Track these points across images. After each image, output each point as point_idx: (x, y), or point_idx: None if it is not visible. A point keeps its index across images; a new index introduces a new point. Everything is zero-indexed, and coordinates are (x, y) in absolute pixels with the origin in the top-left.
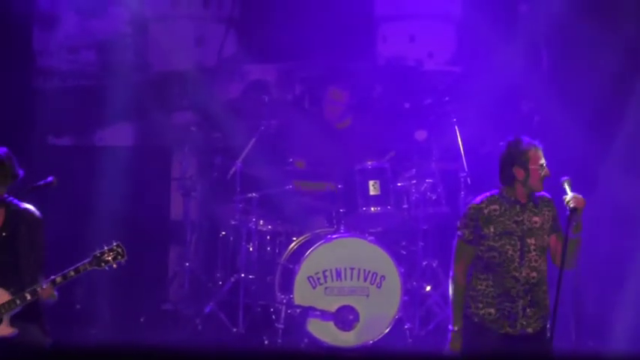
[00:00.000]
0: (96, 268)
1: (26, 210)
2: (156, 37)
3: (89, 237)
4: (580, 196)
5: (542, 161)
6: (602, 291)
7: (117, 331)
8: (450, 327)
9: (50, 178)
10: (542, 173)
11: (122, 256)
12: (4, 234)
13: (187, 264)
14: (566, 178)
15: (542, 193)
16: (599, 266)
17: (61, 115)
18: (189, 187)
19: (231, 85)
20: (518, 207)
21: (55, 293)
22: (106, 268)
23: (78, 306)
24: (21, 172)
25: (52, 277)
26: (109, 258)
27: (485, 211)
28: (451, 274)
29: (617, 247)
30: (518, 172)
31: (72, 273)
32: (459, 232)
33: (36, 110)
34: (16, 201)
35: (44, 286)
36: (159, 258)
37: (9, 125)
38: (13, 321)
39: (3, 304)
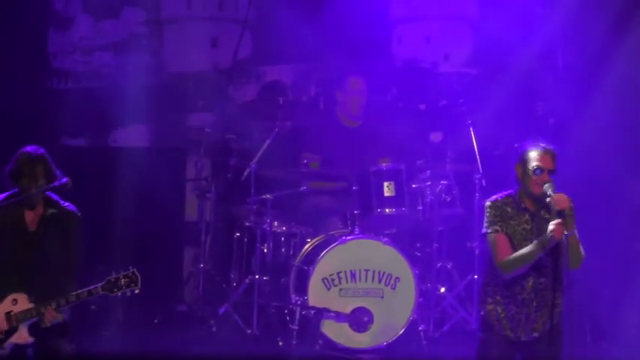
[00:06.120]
0: (107, 293)
1: (64, 210)
2: (171, 39)
3: (104, 238)
4: (564, 195)
5: (543, 165)
6: (617, 293)
7: (131, 333)
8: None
9: (65, 179)
10: (539, 177)
11: (135, 285)
12: (34, 233)
13: (202, 265)
14: (547, 184)
15: None
16: (614, 268)
17: (76, 116)
18: (203, 188)
19: (247, 86)
20: (527, 215)
21: (62, 315)
22: (119, 294)
23: (93, 307)
24: (59, 174)
25: (57, 299)
26: (122, 284)
27: (501, 208)
28: (497, 266)
29: (632, 248)
30: (517, 171)
31: (85, 294)
32: (491, 229)
33: (51, 111)
34: (55, 200)
35: (47, 310)
36: (173, 259)
37: (24, 126)
38: (35, 329)
39: (19, 312)
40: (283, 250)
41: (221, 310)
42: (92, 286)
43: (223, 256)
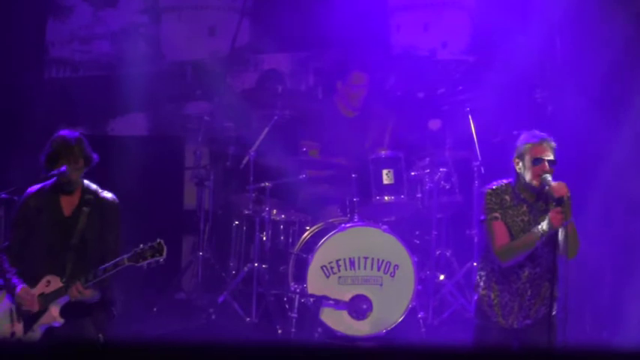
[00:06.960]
0: (133, 264)
1: (100, 197)
2: (169, 27)
3: None
4: (562, 183)
5: (542, 156)
6: (618, 282)
7: (130, 321)
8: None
9: (63, 168)
10: (538, 168)
11: (160, 254)
12: (69, 218)
13: (201, 253)
14: (546, 173)
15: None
16: (615, 257)
17: (75, 105)
18: (202, 176)
19: (245, 74)
20: (525, 206)
21: (91, 291)
22: (144, 265)
23: None
24: (95, 157)
25: (85, 275)
26: (148, 254)
27: (500, 196)
28: (493, 255)
29: (632, 236)
30: (516, 164)
31: (111, 267)
32: (490, 216)
33: (49, 100)
34: (93, 187)
35: (74, 287)
36: (172, 247)
37: (23, 115)
38: (66, 312)
39: (49, 292)
40: (282, 238)
41: (220, 299)
42: (118, 258)
43: (222, 244)
